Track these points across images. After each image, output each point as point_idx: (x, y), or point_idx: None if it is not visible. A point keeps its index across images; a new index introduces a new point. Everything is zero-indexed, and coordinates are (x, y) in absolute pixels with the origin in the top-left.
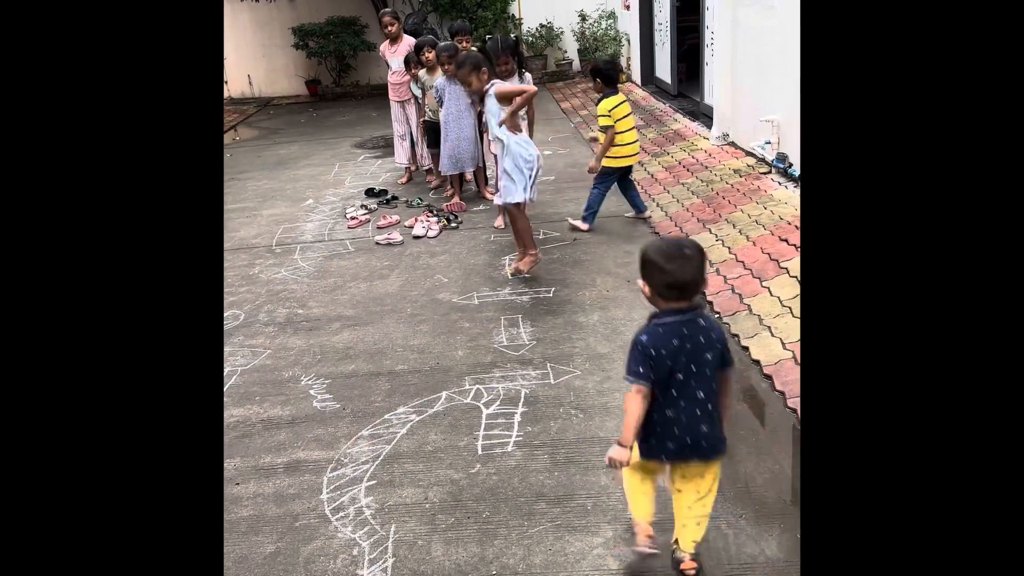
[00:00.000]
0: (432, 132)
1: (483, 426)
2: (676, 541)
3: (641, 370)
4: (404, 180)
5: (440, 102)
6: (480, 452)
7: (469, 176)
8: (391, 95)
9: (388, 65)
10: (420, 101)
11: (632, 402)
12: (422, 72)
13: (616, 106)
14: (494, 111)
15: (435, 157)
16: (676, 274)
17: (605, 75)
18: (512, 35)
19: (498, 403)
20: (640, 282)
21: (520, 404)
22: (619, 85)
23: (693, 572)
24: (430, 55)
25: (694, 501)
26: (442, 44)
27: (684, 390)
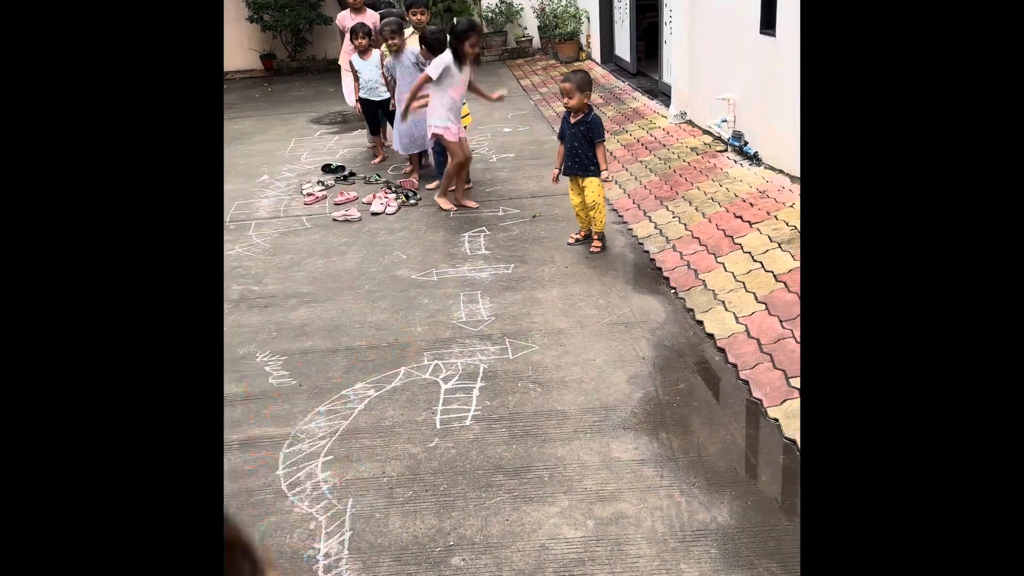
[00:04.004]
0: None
1: (441, 401)
2: (592, 235)
3: (606, 135)
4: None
5: (392, 81)
6: (438, 426)
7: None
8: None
9: (343, 36)
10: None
11: (607, 148)
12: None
13: None
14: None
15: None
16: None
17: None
18: (471, 17)
19: (457, 378)
20: (581, 95)
21: (479, 379)
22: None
23: (598, 249)
24: (422, 17)
25: (589, 210)
26: (385, 19)
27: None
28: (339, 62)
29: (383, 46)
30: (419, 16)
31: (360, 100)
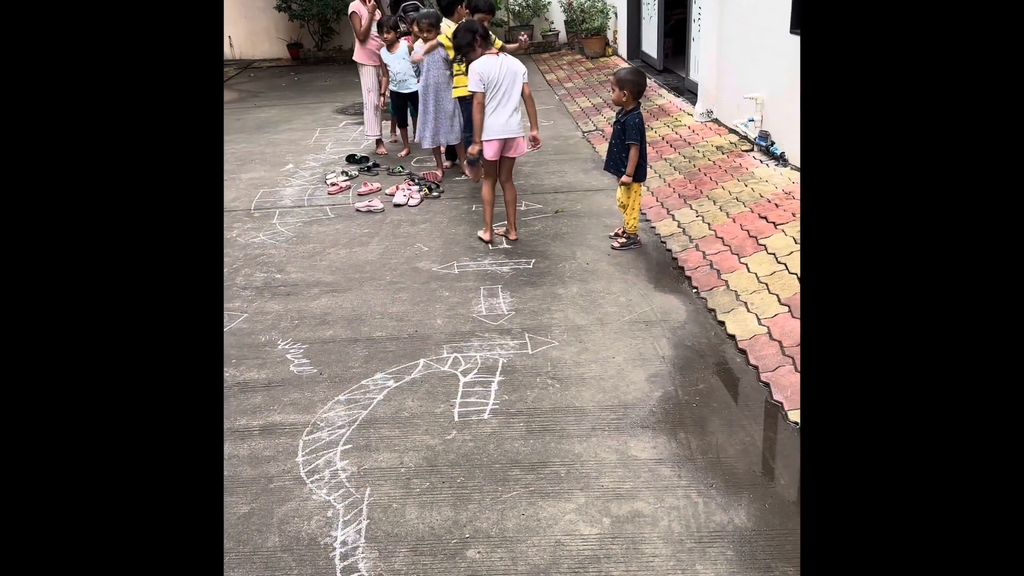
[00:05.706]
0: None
1: (460, 394)
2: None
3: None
4: (382, 150)
5: (418, 72)
6: (456, 419)
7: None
8: (367, 60)
9: (362, 29)
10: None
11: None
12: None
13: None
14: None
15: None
16: (644, 84)
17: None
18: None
19: (476, 371)
20: (620, 92)
21: (497, 373)
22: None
23: (618, 245)
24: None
25: (623, 208)
26: (423, 11)
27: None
28: (355, 59)
29: (417, 40)
30: (460, 10)
31: (390, 93)
